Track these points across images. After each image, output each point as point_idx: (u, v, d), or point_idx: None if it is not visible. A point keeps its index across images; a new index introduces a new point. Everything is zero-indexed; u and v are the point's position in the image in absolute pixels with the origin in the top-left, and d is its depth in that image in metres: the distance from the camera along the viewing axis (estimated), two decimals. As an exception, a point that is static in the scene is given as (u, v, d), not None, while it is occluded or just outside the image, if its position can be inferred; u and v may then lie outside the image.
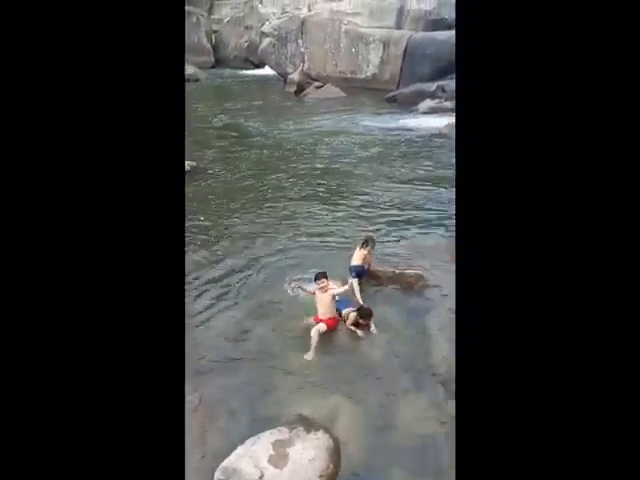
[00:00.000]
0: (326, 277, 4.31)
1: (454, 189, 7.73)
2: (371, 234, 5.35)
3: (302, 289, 4.42)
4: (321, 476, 2.92)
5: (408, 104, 15.29)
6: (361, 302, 4.61)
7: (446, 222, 6.64)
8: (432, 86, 15.50)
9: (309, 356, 4.00)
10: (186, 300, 4.74)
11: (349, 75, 19.45)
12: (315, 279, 4.34)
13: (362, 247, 4.99)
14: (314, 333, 4.11)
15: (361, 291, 4.81)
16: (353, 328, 4.29)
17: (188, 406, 3.42)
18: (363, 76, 19.16)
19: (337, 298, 4.37)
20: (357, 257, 4.97)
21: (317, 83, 18.88)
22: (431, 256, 5.62)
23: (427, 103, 14.77)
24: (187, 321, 4.42)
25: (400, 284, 5.00)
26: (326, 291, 4.26)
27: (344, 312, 4.37)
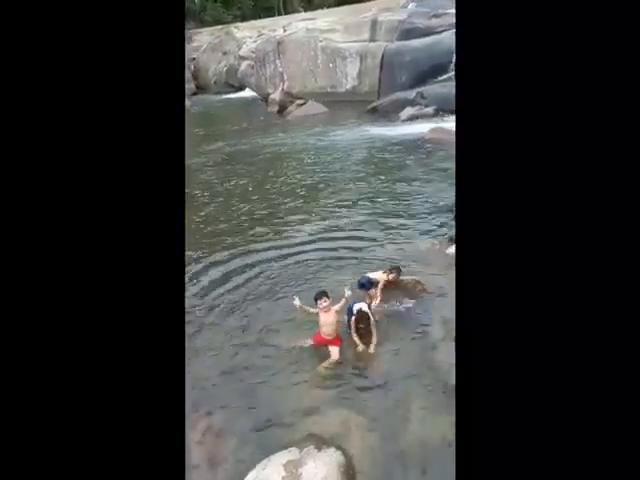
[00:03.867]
0: (327, 296, 4.13)
1: (449, 193, 7.71)
2: (398, 266, 5.16)
3: (305, 311, 4.24)
4: (336, 494, 2.87)
5: (390, 113, 15.49)
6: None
7: (440, 226, 6.69)
8: (411, 93, 15.73)
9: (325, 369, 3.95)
10: (186, 320, 4.71)
11: (329, 90, 19.72)
12: (315, 299, 4.15)
13: (384, 272, 4.97)
14: (337, 356, 4.03)
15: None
16: (357, 341, 4.21)
17: (195, 436, 3.38)
18: (343, 90, 19.42)
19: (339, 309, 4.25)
20: (375, 275, 4.98)
21: (299, 100, 19.10)
22: (426, 261, 5.64)
23: (408, 111, 14.97)
24: (187, 344, 4.39)
25: (398, 291, 5.00)
26: (328, 311, 4.12)
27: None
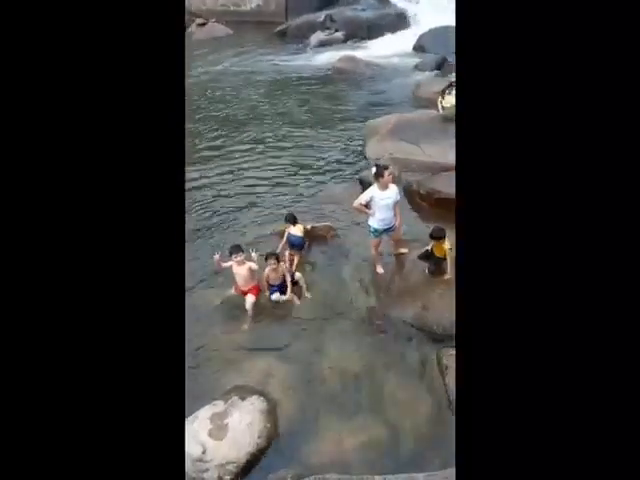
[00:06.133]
0: (242, 250, 4.31)
1: (359, 127, 7.53)
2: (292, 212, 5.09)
3: (220, 265, 4.39)
4: (259, 437, 3.14)
5: (299, 37, 14.73)
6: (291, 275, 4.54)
7: (353, 166, 6.80)
8: (320, 16, 14.97)
9: (246, 327, 4.16)
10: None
11: (232, 8, 18.05)
12: (230, 253, 4.30)
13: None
14: (249, 307, 4.24)
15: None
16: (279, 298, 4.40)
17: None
18: (247, 8, 17.89)
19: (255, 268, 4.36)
20: (296, 229, 4.88)
21: (199, 20, 17.27)
22: (340, 204, 5.76)
23: (318, 36, 14.32)
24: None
25: (314, 238, 5.15)
26: (242, 264, 4.29)
27: (273, 297, 4.41)
